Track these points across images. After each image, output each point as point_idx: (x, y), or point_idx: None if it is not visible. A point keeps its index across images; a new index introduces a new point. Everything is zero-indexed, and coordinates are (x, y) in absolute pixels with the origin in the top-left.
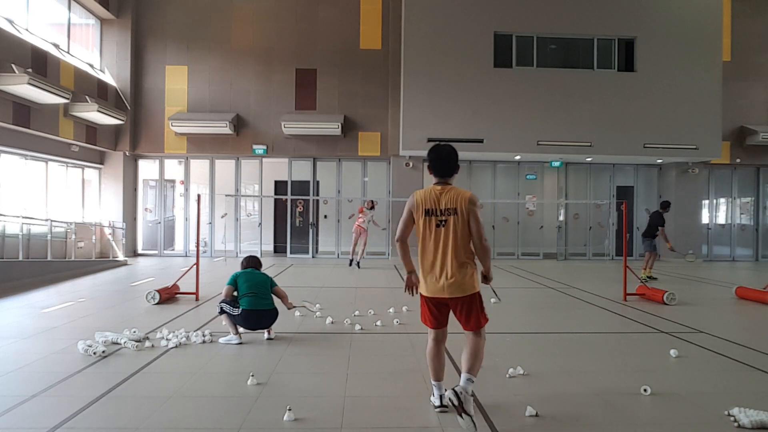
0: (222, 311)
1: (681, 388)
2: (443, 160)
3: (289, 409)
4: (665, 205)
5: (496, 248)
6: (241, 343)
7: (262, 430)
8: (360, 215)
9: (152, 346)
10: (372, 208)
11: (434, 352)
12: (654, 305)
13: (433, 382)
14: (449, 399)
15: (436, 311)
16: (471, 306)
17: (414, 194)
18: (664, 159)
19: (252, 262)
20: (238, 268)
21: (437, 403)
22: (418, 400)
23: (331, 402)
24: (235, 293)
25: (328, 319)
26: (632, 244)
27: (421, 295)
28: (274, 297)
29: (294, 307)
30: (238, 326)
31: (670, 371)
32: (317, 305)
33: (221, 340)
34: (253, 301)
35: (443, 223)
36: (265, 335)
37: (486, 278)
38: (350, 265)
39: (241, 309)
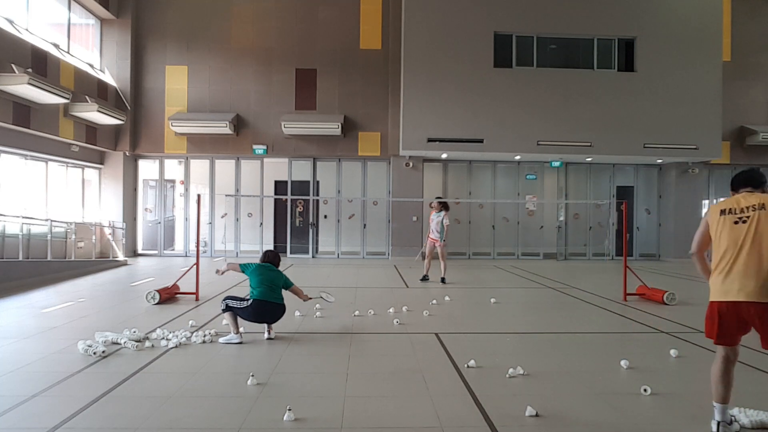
0: (227, 308)
1: (681, 388)
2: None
3: (289, 409)
4: None
5: (496, 248)
6: (241, 343)
7: (262, 430)
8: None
9: (152, 346)
10: (441, 210)
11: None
12: (654, 305)
13: (714, 403)
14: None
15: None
16: None
17: None
18: (664, 159)
19: (270, 257)
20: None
21: (714, 428)
22: (418, 400)
23: (331, 402)
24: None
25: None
26: (632, 244)
27: None
28: (288, 294)
29: (310, 298)
30: (239, 323)
31: (670, 371)
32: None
33: (221, 339)
34: (264, 292)
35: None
36: (265, 335)
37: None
38: (424, 280)
39: (251, 299)
